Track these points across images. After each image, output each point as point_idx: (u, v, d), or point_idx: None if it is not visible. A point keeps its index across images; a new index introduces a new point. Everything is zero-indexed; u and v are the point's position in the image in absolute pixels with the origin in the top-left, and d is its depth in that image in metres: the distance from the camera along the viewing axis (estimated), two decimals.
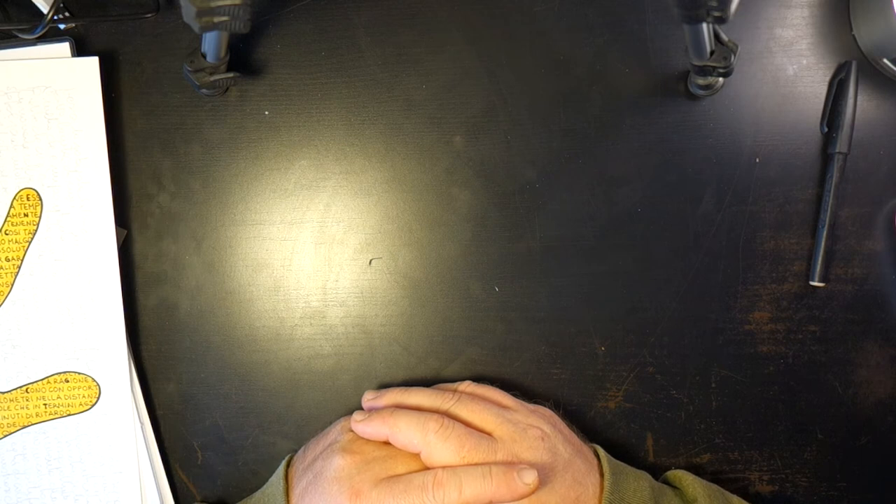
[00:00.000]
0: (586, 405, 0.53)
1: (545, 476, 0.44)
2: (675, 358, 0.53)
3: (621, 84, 0.52)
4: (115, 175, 0.51)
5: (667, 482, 0.50)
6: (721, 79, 0.51)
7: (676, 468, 0.51)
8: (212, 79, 0.49)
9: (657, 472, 0.51)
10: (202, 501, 0.53)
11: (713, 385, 0.53)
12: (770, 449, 0.53)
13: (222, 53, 0.48)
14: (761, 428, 0.53)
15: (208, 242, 0.53)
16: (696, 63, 0.47)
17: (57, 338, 0.51)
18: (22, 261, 0.50)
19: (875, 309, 0.52)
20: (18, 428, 0.51)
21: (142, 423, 0.52)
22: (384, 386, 0.52)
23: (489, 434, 0.45)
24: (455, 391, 0.48)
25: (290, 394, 0.53)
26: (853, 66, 0.51)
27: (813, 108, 0.52)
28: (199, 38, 0.48)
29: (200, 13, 0.38)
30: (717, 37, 0.46)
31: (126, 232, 0.52)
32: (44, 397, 0.51)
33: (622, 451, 0.52)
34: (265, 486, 0.49)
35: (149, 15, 0.52)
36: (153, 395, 0.53)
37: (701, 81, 0.50)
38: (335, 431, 0.48)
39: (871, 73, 0.52)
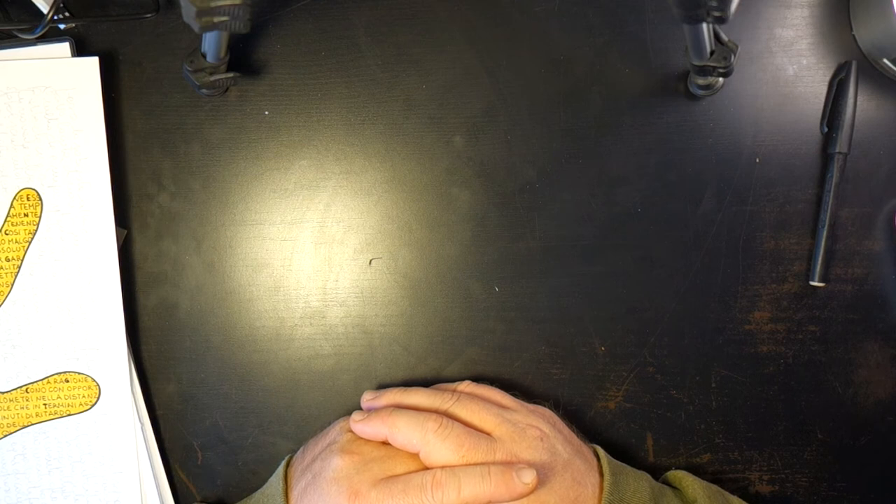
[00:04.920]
0: (586, 405, 0.53)
1: (544, 476, 0.44)
2: (675, 358, 0.53)
3: (621, 84, 0.52)
4: (115, 175, 0.51)
5: (667, 482, 0.50)
6: (721, 79, 0.51)
7: (676, 468, 0.51)
8: (212, 79, 0.49)
9: (657, 472, 0.51)
10: (202, 501, 0.53)
11: (713, 385, 0.53)
12: (770, 449, 0.53)
13: (222, 53, 0.48)
14: (761, 428, 0.53)
15: (208, 242, 0.53)
16: (696, 63, 0.47)
17: (57, 338, 0.51)
18: (22, 261, 0.50)
19: (875, 309, 0.52)
20: (18, 428, 0.51)
21: (142, 423, 0.52)
22: (384, 386, 0.52)
23: (488, 434, 0.45)
24: (454, 391, 0.48)
25: (290, 394, 0.53)
26: (853, 66, 0.51)
27: (813, 108, 0.52)
28: (199, 38, 0.48)
29: (200, 13, 0.38)
30: (717, 37, 0.46)
31: (126, 232, 0.52)
32: (44, 397, 0.51)
33: (622, 451, 0.52)
34: (264, 487, 0.49)
35: (149, 15, 0.52)
36: (153, 395, 0.53)
37: (701, 81, 0.50)
38: (334, 432, 0.48)
39: (871, 73, 0.52)
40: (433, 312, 0.53)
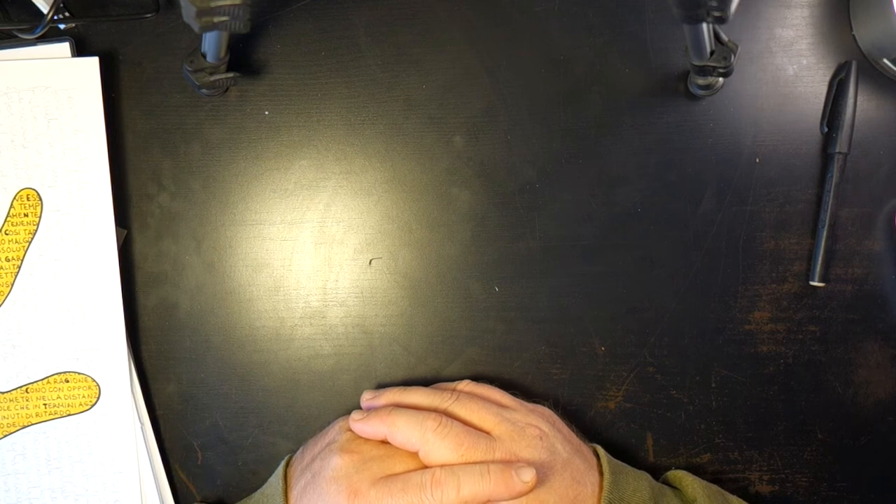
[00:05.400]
0: (586, 405, 0.53)
1: (543, 475, 0.44)
2: (675, 358, 0.52)
3: (621, 84, 0.52)
4: (115, 175, 0.51)
5: (667, 482, 0.50)
6: (721, 79, 0.51)
7: (676, 468, 0.51)
8: (212, 79, 0.49)
9: (657, 472, 0.51)
10: (202, 501, 0.53)
11: (713, 385, 0.53)
12: (770, 449, 0.53)
13: (222, 53, 0.48)
14: (761, 428, 0.53)
15: (208, 242, 0.53)
16: (696, 63, 0.47)
17: (57, 338, 0.51)
18: (22, 261, 0.50)
19: (875, 309, 0.52)
20: (18, 428, 0.51)
21: (142, 423, 0.52)
22: (384, 386, 0.52)
23: (487, 433, 0.45)
24: (454, 390, 0.48)
25: (290, 394, 0.53)
26: (853, 66, 0.51)
27: (813, 108, 0.52)
28: (199, 38, 0.48)
29: (200, 13, 0.38)
30: (717, 37, 0.46)
31: (126, 232, 0.52)
32: (44, 397, 0.51)
33: (622, 451, 0.52)
34: (264, 486, 0.49)
35: (149, 15, 0.52)
36: (153, 395, 0.53)
37: (701, 81, 0.50)
38: (333, 431, 0.48)
39: (871, 73, 0.52)
40: (433, 312, 0.53)
